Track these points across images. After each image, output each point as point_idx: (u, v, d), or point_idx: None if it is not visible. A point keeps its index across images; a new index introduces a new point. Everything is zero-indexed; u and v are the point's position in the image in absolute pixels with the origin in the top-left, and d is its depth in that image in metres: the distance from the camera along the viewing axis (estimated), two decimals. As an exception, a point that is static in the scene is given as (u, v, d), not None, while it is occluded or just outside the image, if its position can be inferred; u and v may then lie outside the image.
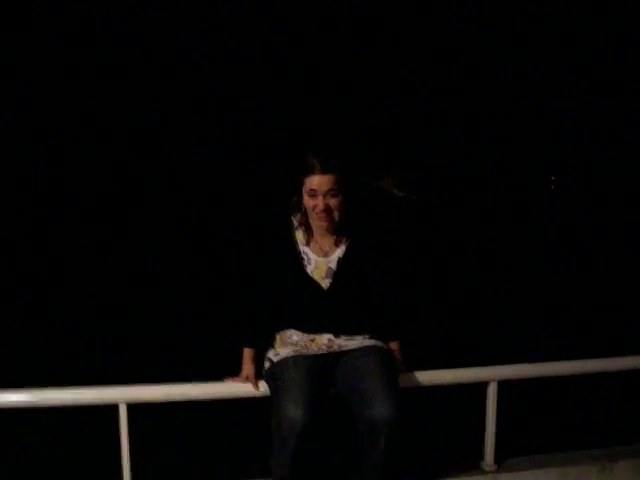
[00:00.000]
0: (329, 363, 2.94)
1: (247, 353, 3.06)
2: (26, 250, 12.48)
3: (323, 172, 2.83)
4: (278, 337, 3.05)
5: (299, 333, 2.99)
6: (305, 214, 2.97)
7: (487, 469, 3.35)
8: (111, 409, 2.96)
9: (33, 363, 6.44)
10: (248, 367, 3.05)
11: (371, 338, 3.02)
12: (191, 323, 7.87)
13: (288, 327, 3.02)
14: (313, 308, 2.97)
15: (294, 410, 2.65)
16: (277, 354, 2.97)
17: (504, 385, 3.28)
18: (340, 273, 2.98)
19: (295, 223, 3.02)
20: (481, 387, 3.28)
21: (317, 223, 2.93)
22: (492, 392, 3.26)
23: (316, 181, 2.84)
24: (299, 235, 3.01)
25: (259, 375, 3.03)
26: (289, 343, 2.99)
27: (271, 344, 3.06)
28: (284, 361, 2.91)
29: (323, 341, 2.98)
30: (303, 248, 3.00)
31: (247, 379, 3.04)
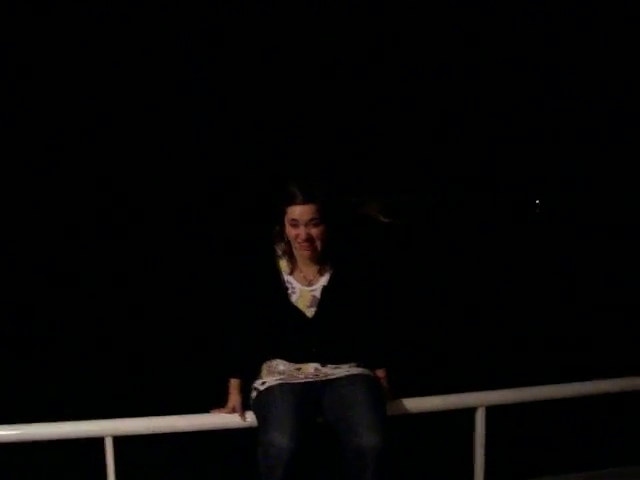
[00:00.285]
0: (316, 391, 2.93)
1: (233, 383, 3.04)
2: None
3: (305, 202, 2.83)
4: (264, 367, 3.04)
5: (285, 362, 2.99)
6: (288, 243, 2.97)
7: (476, 496, 3.33)
8: (97, 443, 2.94)
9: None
10: (234, 397, 3.02)
11: (357, 366, 3.02)
12: (176, 354, 7.82)
13: (274, 357, 3.01)
14: (298, 337, 2.96)
15: (281, 438, 2.64)
16: (263, 383, 2.96)
17: (493, 410, 3.27)
18: (324, 302, 2.98)
19: (279, 252, 3.02)
20: (470, 413, 3.27)
21: (300, 252, 2.94)
22: (480, 418, 3.24)
23: (298, 211, 2.84)
24: (283, 264, 3.01)
25: (246, 405, 3.01)
26: (276, 372, 2.98)
27: (257, 374, 3.04)
28: (270, 389, 2.89)
29: (309, 370, 2.97)
30: (287, 277, 3.00)
31: (234, 410, 3.01)
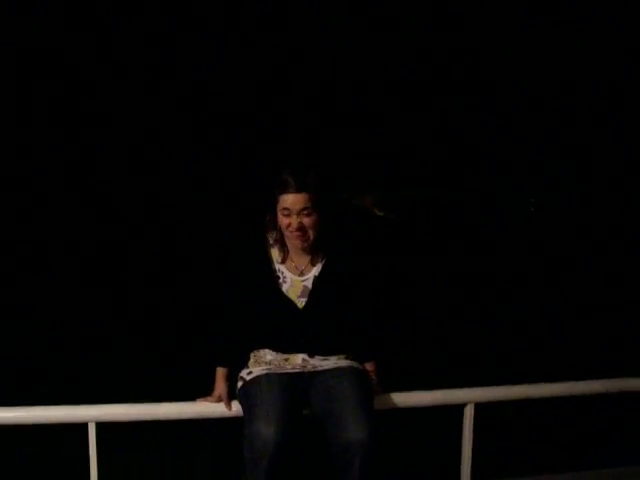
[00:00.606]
0: (303, 382, 2.90)
1: (220, 372, 3.01)
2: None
3: (297, 190, 2.80)
4: (252, 356, 3.01)
5: (273, 353, 2.95)
6: (280, 232, 2.93)
7: (463, 492, 3.31)
8: (80, 428, 2.90)
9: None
10: (221, 387, 2.99)
11: (346, 359, 2.99)
12: (163, 342, 7.79)
13: (262, 346, 2.98)
14: (288, 327, 2.93)
15: (266, 429, 2.61)
16: (250, 372, 2.93)
17: (482, 407, 3.24)
18: (316, 292, 2.94)
19: (270, 241, 2.98)
20: (459, 409, 3.25)
21: (292, 242, 2.90)
22: (469, 414, 3.22)
23: (290, 200, 2.81)
24: (274, 253, 2.98)
25: (232, 395, 2.98)
26: (263, 362, 2.95)
27: (245, 363, 3.01)
28: (257, 379, 2.86)
29: (297, 361, 2.94)
30: (279, 266, 2.96)
31: (220, 399, 2.98)
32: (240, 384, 2.94)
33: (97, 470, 2.94)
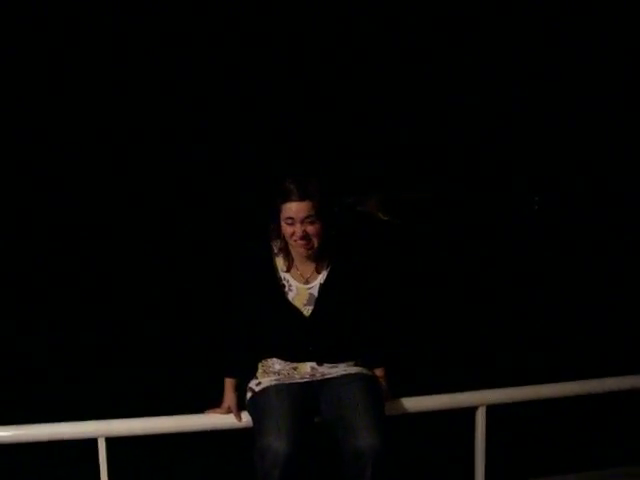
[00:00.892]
0: (312, 391, 2.88)
1: (228, 383, 2.99)
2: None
3: (300, 199, 2.79)
4: (260, 366, 2.99)
5: (281, 362, 2.93)
6: (284, 240, 2.92)
7: (477, 497, 3.28)
8: (90, 444, 2.89)
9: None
10: (230, 398, 2.98)
11: (355, 365, 2.97)
12: (172, 353, 7.77)
13: (270, 356, 2.96)
14: (295, 336, 2.91)
15: (277, 441, 2.59)
16: (259, 383, 2.91)
17: (494, 410, 3.22)
18: (322, 300, 2.92)
19: (275, 249, 2.96)
20: (471, 412, 3.22)
21: (296, 250, 2.88)
22: (481, 417, 3.19)
23: (293, 208, 2.80)
24: (279, 261, 2.96)
25: (241, 406, 2.96)
26: (271, 372, 2.93)
27: (253, 374, 2.99)
28: (266, 390, 2.85)
29: (306, 369, 2.92)
30: (284, 275, 2.95)
31: (229, 410, 2.97)
32: (249, 395, 2.93)
33: None
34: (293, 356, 2.92)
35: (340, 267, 2.96)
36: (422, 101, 20.25)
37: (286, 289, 2.93)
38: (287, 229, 2.84)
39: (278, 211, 2.86)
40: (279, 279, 2.94)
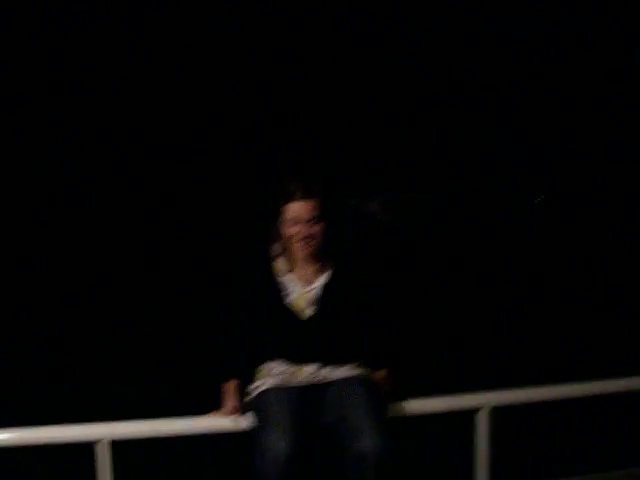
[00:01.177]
0: (314, 394, 2.88)
1: (230, 386, 2.99)
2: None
3: (304, 199, 2.79)
4: (262, 369, 2.98)
5: (283, 365, 2.93)
6: (285, 242, 2.91)
7: (480, 500, 3.28)
8: (93, 446, 2.89)
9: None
10: (231, 401, 2.97)
11: (357, 367, 2.96)
12: (174, 356, 7.78)
13: (272, 359, 2.96)
14: (296, 338, 2.91)
15: (277, 442, 2.59)
16: (260, 386, 2.91)
17: (497, 411, 3.21)
18: (323, 302, 2.92)
19: (275, 252, 2.96)
20: (473, 414, 3.22)
21: (298, 252, 2.88)
22: (483, 419, 3.19)
23: (297, 208, 2.80)
24: (280, 264, 2.95)
25: (243, 409, 2.96)
26: (273, 375, 2.93)
27: (254, 376, 2.99)
28: (267, 392, 2.85)
29: (308, 372, 2.91)
30: (285, 277, 2.94)
31: (230, 413, 2.96)
32: (250, 398, 2.92)
33: None
34: (294, 359, 2.92)
35: (342, 269, 2.96)
36: (425, 104, 20.27)
37: (287, 291, 2.93)
38: (290, 229, 2.84)
39: (280, 212, 2.86)
40: (278, 282, 2.94)
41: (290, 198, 2.81)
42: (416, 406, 3.12)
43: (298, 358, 2.92)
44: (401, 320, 3.72)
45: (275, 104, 19.16)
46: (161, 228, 15.85)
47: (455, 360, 7.44)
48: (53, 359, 7.79)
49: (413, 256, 13.31)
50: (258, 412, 2.81)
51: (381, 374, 3.04)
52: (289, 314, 2.91)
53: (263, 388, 2.88)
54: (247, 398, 2.94)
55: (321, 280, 2.95)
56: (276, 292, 2.92)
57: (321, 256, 2.93)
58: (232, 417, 2.96)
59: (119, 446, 2.89)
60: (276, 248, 2.96)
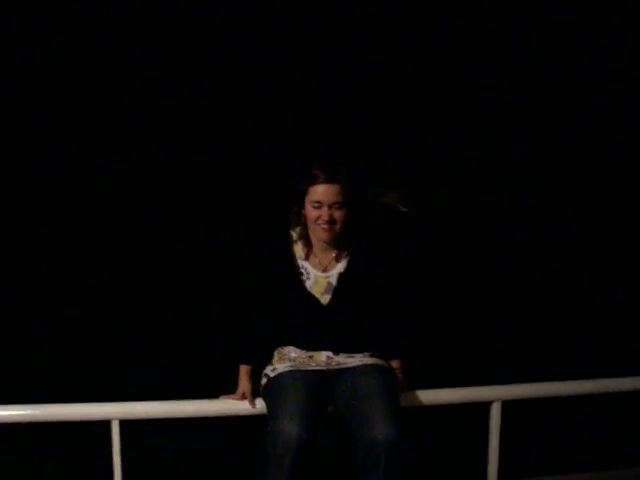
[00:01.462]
0: (328, 380, 2.87)
1: (244, 370, 2.99)
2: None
3: (330, 182, 2.77)
4: (276, 354, 2.98)
5: (297, 350, 2.92)
6: (305, 226, 2.90)
7: (490, 492, 3.27)
8: (103, 426, 2.90)
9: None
10: (245, 384, 2.97)
11: (371, 356, 2.95)
12: (187, 339, 7.78)
13: (286, 344, 2.95)
14: (312, 324, 2.89)
15: (289, 426, 2.57)
16: (274, 369, 2.90)
17: (509, 405, 3.20)
18: (340, 289, 2.90)
19: (294, 236, 2.95)
20: (486, 407, 3.20)
21: (318, 235, 2.86)
22: (496, 412, 3.17)
23: (322, 190, 2.78)
24: (298, 249, 2.94)
25: (256, 393, 2.96)
26: (289, 358, 2.92)
27: (269, 361, 2.98)
28: (281, 376, 2.84)
29: (322, 358, 2.90)
30: (302, 263, 2.92)
31: (243, 396, 2.96)
32: (264, 381, 2.92)
33: (121, 469, 2.92)
34: (309, 345, 2.91)
35: (360, 257, 2.94)
36: (441, 97, 20.21)
37: (304, 277, 2.91)
38: (313, 213, 2.81)
39: (304, 194, 2.84)
40: (297, 267, 2.92)
41: (316, 180, 2.79)
42: (429, 396, 3.11)
43: (313, 344, 2.91)
44: (416, 311, 3.71)
45: (296, 94, 19.15)
46: (175, 211, 15.85)
47: (469, 352, 7.41)
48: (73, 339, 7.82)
49: (429, 247, 13.27)
50: (272, 394, 2.80)
51: (394, 364, 3.03)
52: (307, 300, 2.90)
53: (279, 371, 2.87)
54: (263, 381, 2.94)
55: (338, 268, 2.93)
56: (296, 276, 2.91)
57: (339, 243, 2.91)
58: (245, 400, 2.96)
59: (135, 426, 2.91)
60: (295, 232, 2.95)
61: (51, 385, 5.76)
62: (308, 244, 2.92)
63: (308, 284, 2.90)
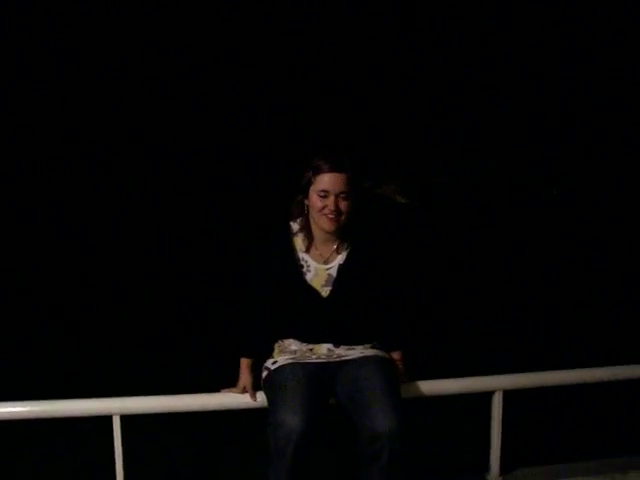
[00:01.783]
0: (329, 372, 2.86)
1: (244, 363, 2.98)
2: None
3: (336, 171, 2.77)
4: (277, 346, 2.97)
5: (298, 342, 2.92)
6: (306, 218, 2.89)
7: (493, 481, 3.27)
8: (105, 421, 2.90)
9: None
10: (245, 377, 2.97)
11: (372, 348, 2.94)
12: (188, 332, 7.79)
13: (287, 336, 2.94)
14: (312, 317, 2.89)
15: (291, 418, 2.57)
16: (275, 362, 2.90)
17: (510, 394, 3.20)
18: (340, 281, 2.89)
19: (295, 229, 2.93)
20: (487, 397, 3.20)
21: (322, 226, 2.84)
22: (497, 402, 3.18)
23: (329, 179, 2.77)
24: (298, 241, 2.93)
25: (257, 386, 2.95)
26: (290, 351, 2.92)
27: (270, 353, 2.98)
28: (282, 369, 2.83)
29: (322, 351, 2.90)
30: (302, 255, 2.91)
31: (244, 390, 2.96)
32: (265, 373, 2.92)
33: (122, 464, 2.92)
34: (310, 337, 2.90)
35: (360, 249, 2.93)
36: (440, 87, 20.20)
37: (304, 269, 2.90)
38: (318, 202, 2.80)
39: (309, 184, 2.83)
40: (297, 260, 2.91)
41: (322, 169, 2.78)
42: (430, 387, 3.11)
43: (314, 337, 2.91)
44: (417, 303, 3.71)
45: (293, 88, 19.15)
46: (176, 204, 15.85)
47: (469, 342, 7.41)
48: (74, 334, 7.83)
49: (429, 238, 13.27)
50: (273, 387, 2.79)
51: (395, 355, 3.03)
52: (307, 292, 2.89)
53: (280, 364, 2.87)
54: (263, 374, 2.93)
55: (338, 260, 2.92)
56: (296, 269, 2.90)
57: (340, 235, 2.90)
58: (246, 393, 2.95)
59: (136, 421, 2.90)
60: (296, 224, 2.94)
61: (51, 383, 5.78)
62: (309, 236, 2.91)
63: (308, 277, 2.89)
